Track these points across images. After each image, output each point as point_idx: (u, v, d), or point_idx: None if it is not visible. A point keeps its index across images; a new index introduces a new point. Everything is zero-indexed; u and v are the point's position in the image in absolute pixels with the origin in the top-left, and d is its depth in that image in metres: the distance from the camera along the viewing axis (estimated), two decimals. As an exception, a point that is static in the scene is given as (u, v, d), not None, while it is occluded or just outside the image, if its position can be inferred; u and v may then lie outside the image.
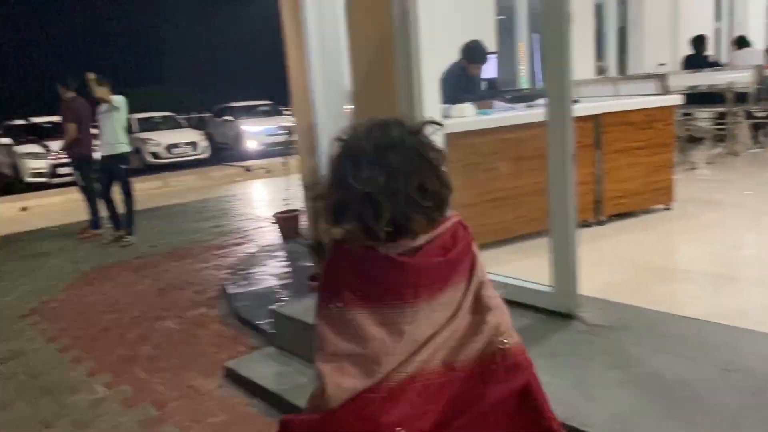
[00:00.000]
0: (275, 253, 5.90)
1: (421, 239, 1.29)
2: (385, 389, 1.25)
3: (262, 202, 10.04)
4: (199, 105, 28.78)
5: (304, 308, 3.46)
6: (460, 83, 5.26)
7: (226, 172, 14.23)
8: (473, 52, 5.44)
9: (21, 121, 15.29)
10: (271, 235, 6.98)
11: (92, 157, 8.21)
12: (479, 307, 1.36)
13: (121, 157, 7.45)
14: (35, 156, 13.65)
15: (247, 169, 14.32)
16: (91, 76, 7.31)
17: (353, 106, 3.98)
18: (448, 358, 1.31)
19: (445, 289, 1.30)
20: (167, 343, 4.09)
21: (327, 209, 1.32)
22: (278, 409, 2.90)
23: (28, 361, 4.00)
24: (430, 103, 3.34)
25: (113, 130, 7.37)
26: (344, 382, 1.24)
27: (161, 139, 16.81)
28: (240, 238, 7.17)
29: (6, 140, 14.39)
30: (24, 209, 11.36)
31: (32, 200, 11.70)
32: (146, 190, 12.44)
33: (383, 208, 1.23)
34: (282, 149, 18.33)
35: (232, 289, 4.89)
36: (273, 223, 6.86)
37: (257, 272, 5.28)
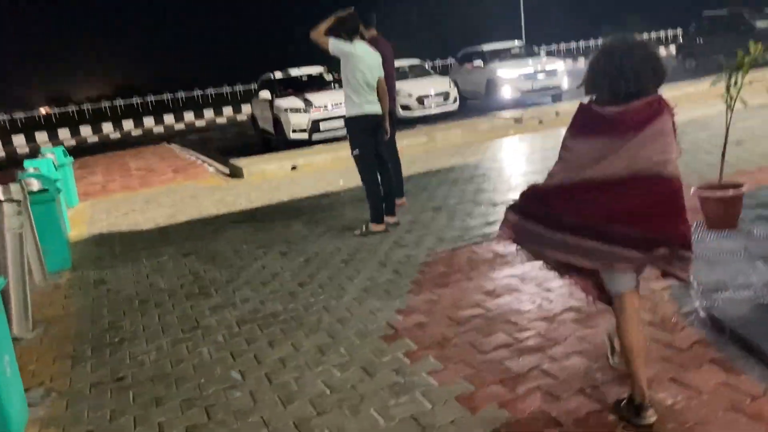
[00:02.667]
0: (714, 253, 3.87)
1: (621, 107, 2.23)
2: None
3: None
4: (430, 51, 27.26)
5: None
6: None
7: (493, 124, 12.44)
8: None
9: (279, 74, 14.74)
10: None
11: (393, 112, 6.78)
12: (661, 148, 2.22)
13: None
14: (297, 111, 12.91)
15: (518, 120, 12.39)
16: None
17: None
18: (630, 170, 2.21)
19: (627, 133, 2.20)
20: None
21: (588, 84, 2.33)
22: None
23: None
24: None
25: None
26: (560, 174, 2.33)
27: (411, 89, 15.43)
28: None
29: (266, 94, 13.87)
30: (294, 168, 10.58)
31: (299, 159, 10.89)
32: (413, 148, 11.10)
33: (631, 79, 2.21)
34: (542, 95, 16.22)
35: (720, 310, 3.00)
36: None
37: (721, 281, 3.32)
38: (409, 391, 2.92)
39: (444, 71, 26.38)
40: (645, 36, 40.31)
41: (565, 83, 16.12)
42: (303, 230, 6.29)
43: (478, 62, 17.05)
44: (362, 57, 5.68)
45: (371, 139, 5.82)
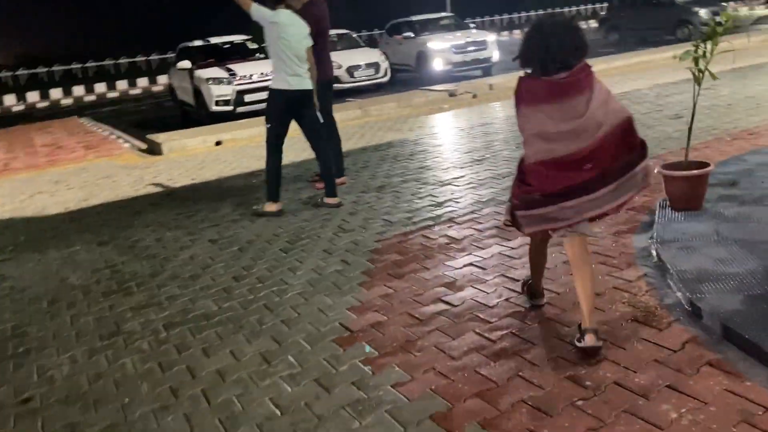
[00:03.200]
0: (689, 237, 3.66)
1: (563, 75, 2.56)
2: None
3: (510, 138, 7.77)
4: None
5: None
6: None
7: (428, 97, 12.09)
8: None
9: (199, 42, 13.80)
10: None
11: (332, 82, 6.32)
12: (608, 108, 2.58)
13: None
14: (219, 81, 12.10)
15: (452, 93, 12.09)
16: None
17: None
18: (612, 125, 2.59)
19: (573, 97, 2.56)
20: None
21: (522, 59, 2.67)
22: None
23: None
24: None
25: None
26: (534, 147, 2.66)
27: (341, 60, 14.82)
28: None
29: (185, 64, 12.94)
30: (218, 144, 9.89)
31: (224, 133, 10.20)
32: (347, 122, 10.60)
33: (557, 56, 2.56)
34: (473, 68, 15.95)
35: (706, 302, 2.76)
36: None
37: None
38: (374, 410, 2.53)
39: (369, 43, 25.81)
40: (568, 10, 41.52)
41: (495, 55, 15.95)
42: (233, 214, 5.74)
43: (408, 34, 16.62)
44: (287, 25, 5.18)
45: (291, 116, 5.40)
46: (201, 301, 3.87)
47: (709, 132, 6.54)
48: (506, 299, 3.35)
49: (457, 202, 5.21)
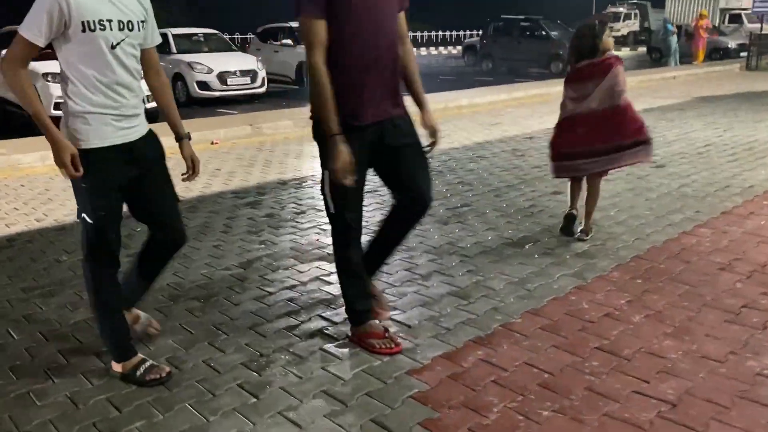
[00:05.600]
0: None
1: (584, 63, 3.99)
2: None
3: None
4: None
5: None
6: None
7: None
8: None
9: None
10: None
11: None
12: (612, 90, 3.92)
13: None
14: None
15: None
16: None
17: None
18: (600, 106, 3.94)
19: (587, 79, 3.95)
20: None
21: (570, 54, 4.13)
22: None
23: None
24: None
25: None
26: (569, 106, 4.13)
27: (212, 64, 12.67)
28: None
29: None
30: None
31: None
32: (240, 141, 8.56)
33: (581, 50, 4.00)
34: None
35: None
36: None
37: None
38: None
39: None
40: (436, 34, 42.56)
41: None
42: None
43: (287, 41, 14.76)
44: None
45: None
46: None
47: (669, 212, 5.31)
48: None
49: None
